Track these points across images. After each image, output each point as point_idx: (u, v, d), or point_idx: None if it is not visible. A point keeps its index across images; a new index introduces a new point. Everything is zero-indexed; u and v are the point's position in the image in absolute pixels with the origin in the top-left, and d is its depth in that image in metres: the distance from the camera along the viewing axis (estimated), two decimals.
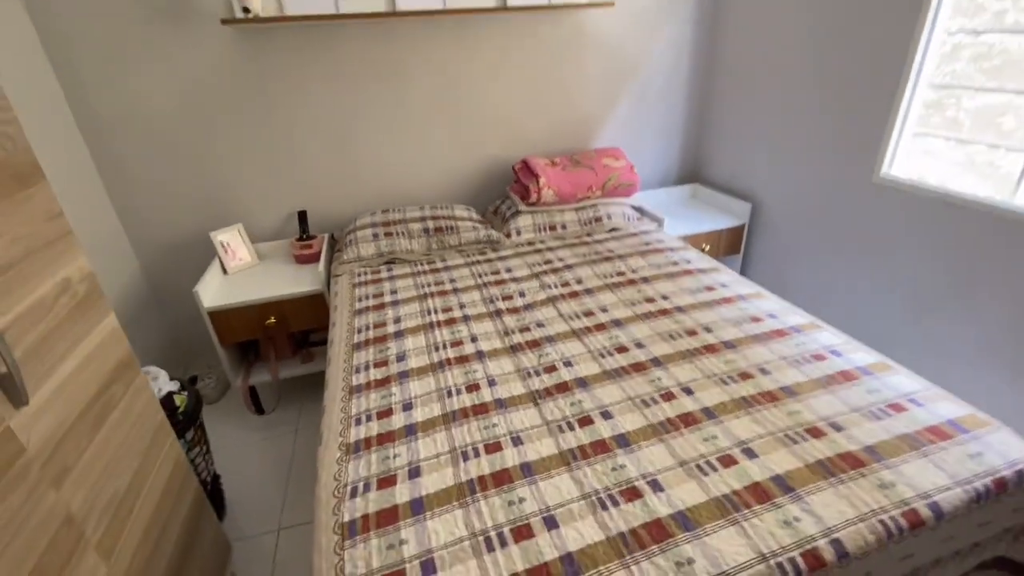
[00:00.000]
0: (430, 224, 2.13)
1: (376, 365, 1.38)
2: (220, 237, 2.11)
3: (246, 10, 1.75)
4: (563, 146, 2.51)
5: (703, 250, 2.36)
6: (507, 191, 2.40)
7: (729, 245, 2.43)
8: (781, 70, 2.12)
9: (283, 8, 1.90)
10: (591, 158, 2.31)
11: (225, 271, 2.12)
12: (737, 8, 2.29)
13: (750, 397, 1.18)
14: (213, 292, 1.97)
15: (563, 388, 1.25)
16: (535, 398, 1.22)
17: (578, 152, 2.42)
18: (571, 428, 1.12)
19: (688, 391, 1.22)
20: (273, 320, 1.96)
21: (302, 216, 2.23)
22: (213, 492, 1.65)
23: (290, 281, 2.02)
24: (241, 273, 2.14)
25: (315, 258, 2.16)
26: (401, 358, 1.40)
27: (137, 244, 2.15)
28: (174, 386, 1.54)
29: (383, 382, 1.31)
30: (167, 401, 1.44)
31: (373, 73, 2.13)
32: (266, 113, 2.07)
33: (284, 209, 2.28)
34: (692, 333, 1.44)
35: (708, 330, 1.45)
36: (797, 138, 2.11)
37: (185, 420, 1.46)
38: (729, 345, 1.38)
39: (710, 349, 1.37)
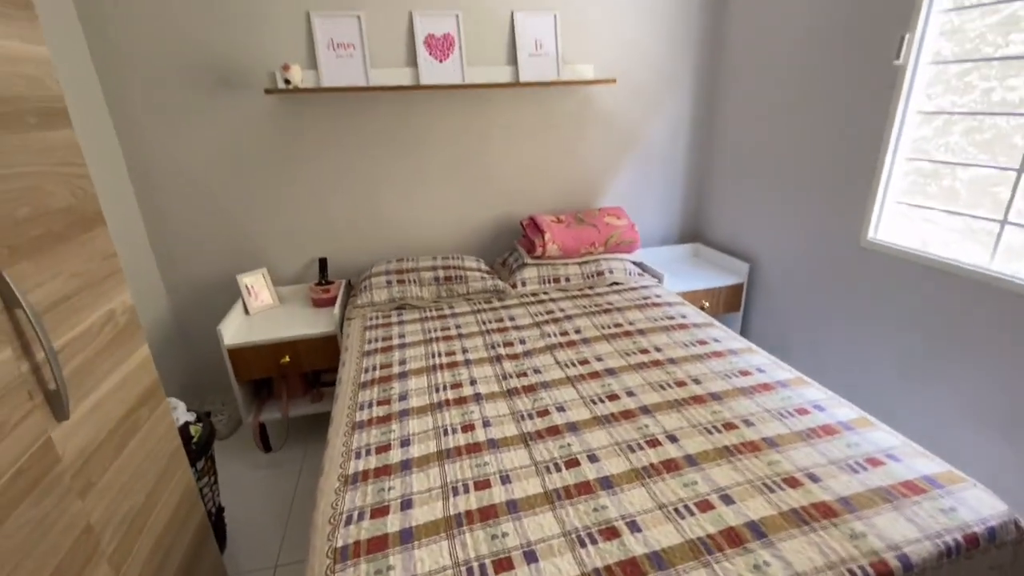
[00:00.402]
0: (440, 273, 2.26)
1: (379, 403, 1.46)
2: (245, 280, 2.26)
3: (287, 82, 1.98)
4: (569, 205, 2.67)
5: (703, 307, 2.44)
6: (515, 244, 2.54)
7: (729, 303, 2.50)
8: (775, 139, 2.28)
9: (320, 80, 2.14)
10: (594, 216, 2.46)
11: (247, 311, 2.26)
12: (733, 84, 2.49)
13: (732, 446, 1.23)
14: (234, 331, 2.10)
15: (554, 431, 1.32)
16: (526, 439, 1.29)
17: (583, 211, 2.57)
18: (558, 469, 1.18)
19: (673, 439, 1.27)
20: (287, 359, 2.07)
21: (322, 263, 2.39)
22: (216, 524, 1.70)
23: (306, 323, 2.14)
24: (262, 314, 2.27)
25: (331, 302, 2.29)
26: (403, 397, 1.49)
27: (169, 283, 2.32)
28: (191, 417, 1.63)
29: (384, 419, 1.39)
30: (183, 430, 1.54)
31: (396, 138, 2.34)
32: (297, 170, 2.28)
33: (306, 256, 2.44)
34: (681, 384, 1.50)
35: (697, 382, 1.51)
36: (791, 202, 2.23)
37: (198, 450, 1.54)
38: (716, 397, 1.43)
39: (697, 400, 1.42)
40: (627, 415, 1.37)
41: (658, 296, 2.15)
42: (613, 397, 1.46)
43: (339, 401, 1.50)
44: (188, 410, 1.69)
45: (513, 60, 2.33)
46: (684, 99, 2.62)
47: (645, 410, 1.39)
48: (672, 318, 1.95)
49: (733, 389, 1.46)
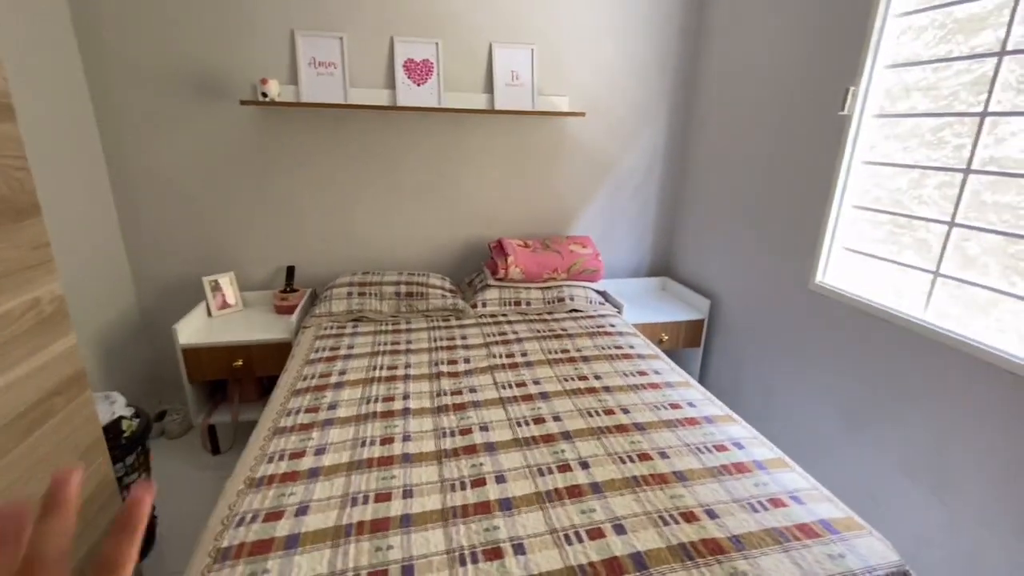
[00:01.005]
0: (402, 288, 2.29)
1: (307, 410, 1.48)
2: (211, 281, 2.31)
3: (264, 95, 2.06)
4: (540, 230, 2.71)
5: (661, 340, 2.45)
6: (482, 265, 2.58)
7: (689, 338, 2.51)
8: (738, 179, 2.32)
9: (300, 96, 2.23)
10: (560, 243, 2.50)
11: (210, 313, 2.30)
12: (704, 124, 2.56)
13: (641, 477, 1.23)
14: (192, 331, 2.13)
15: (470, 450, 1.32)
16: (441, 456, 1.30)
17: (551, 237, 2.61)
18: (463, 487, 1.19)
19: (584, 465, 1.27)
20: (240, 363, 2.09)
21: (290, 271, 2.44)
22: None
23: (264, 328, 2.17)
24: (224, 317, 2.31)
25: (293, 309, 2.33)
26: (332, 407, 1.50)
27: (138, 280, 2.37)
28: (127, 411, 1.65)
29: (307, 427, 1.40)
30: (115, 424, 1.56)
31: (372, 156, 2.41)
32: (273, 179, 2.35)
33: (276, 263, 2.49)
34: (609, 412, 1.51)
35: (625, 411, 1.52)
36: (750, 241, 2.26)
37: (128, 444, 1.56)
38: (640, 427, 1.44)
39: (621, 429, 1.43)
40: (547, 439, 1.38)
41: (612, 325, 2.17)
42: (539, 420, 1.47)
43: (269, 406, 1.52)
44: (128, 405, 1.71)
45: (490, 88, 2.41)
46: (659, 135, 2.69)
47: (566, 436, 1.39)
48: (620, 347, 1.96)
49: (659, 421, 1.47)
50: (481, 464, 1.27)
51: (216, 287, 2.33)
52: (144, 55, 2.08)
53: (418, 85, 2.33)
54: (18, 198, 1.07)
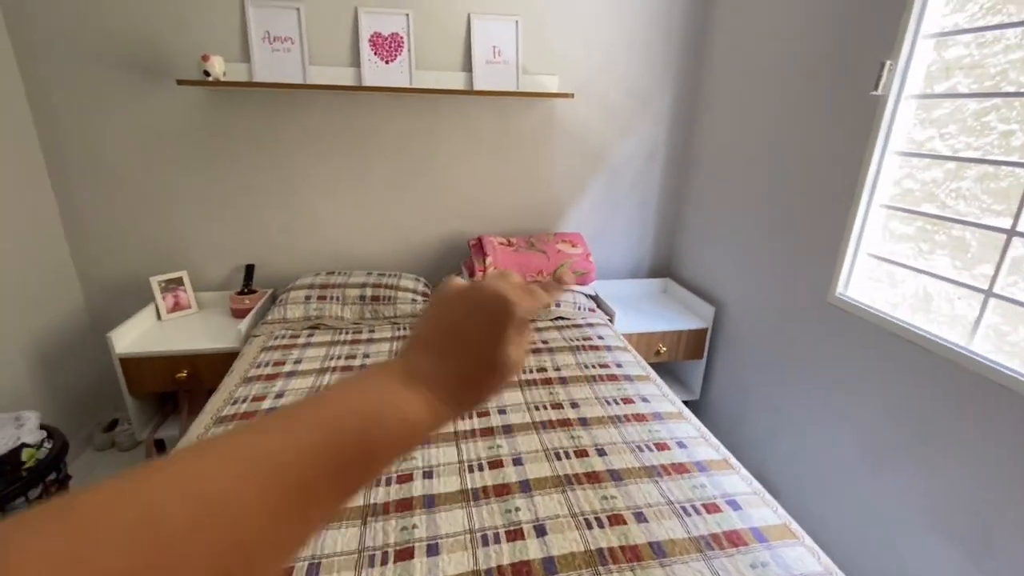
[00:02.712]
0: (368, 292, 2.06)
1: None
2: (160, 282, 2.10)
3: (206, 73, 1.82)
4: (527, 226, 2.45)
5: (659, 351, 2.19)
6: (461, 265, 2.33)
7: (691, 349, 2.25)
8: (750, 174, 2.03)
9: (253, 75, 1.98)
10: (547, 241, 2.24)
11: (159, 316, 2.10)
12: (712, 112, 2.26)
13: (608, 550, 0.99)
14: (136, 337, 1.93)
15: (404, 506, 1.09)
16: (366, 514, 1.07)
17: (538, 234, 2.35)
18: (383, 561, 0.96)
19: (541, 530, 1.03)
20: (184, 374, 1.89)
21: (248, 270, 2.22)
22: None
23: (213, 336, 1.97)
24: (175, 321, 2.11)
25: (249, 313, 2.11)
26: None
27: (85, 281, 2.17)
28: (37, 436, 1.45)
29: None
30: (13, 454, 1.36)
31: (337, 141, 2.17)
32: (227, 168, 2.12)
33: (234, 261, 2.27)
34: (582, 455, 1.27)
35: (601, 453, 1.27)
36: (761, 244, 1.97)
37: (30, 477, 1.36)
38: (616, 476, 1.19)
39: (592, 478, 1.18)
40: (501, 491, 1.14)
41: (600, 338, 1.92)
42: (495, 464, 1.23)
43: (185, 438, 1.31)
44: (41, 427, 1.52)
45: (468, 66, 2.14)
46: (660, 123, 2.39)
47: (524, 487, 1.15)
48: (606, 366, 1.71)
49: (640, 468, 1.22)
50: (414, 527, 1.04)
51: (167, 287, 2.12)
52: (77, 30, 1.85)
53: (387, 63, 2.06)
54: None
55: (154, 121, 2.00)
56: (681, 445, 1.31)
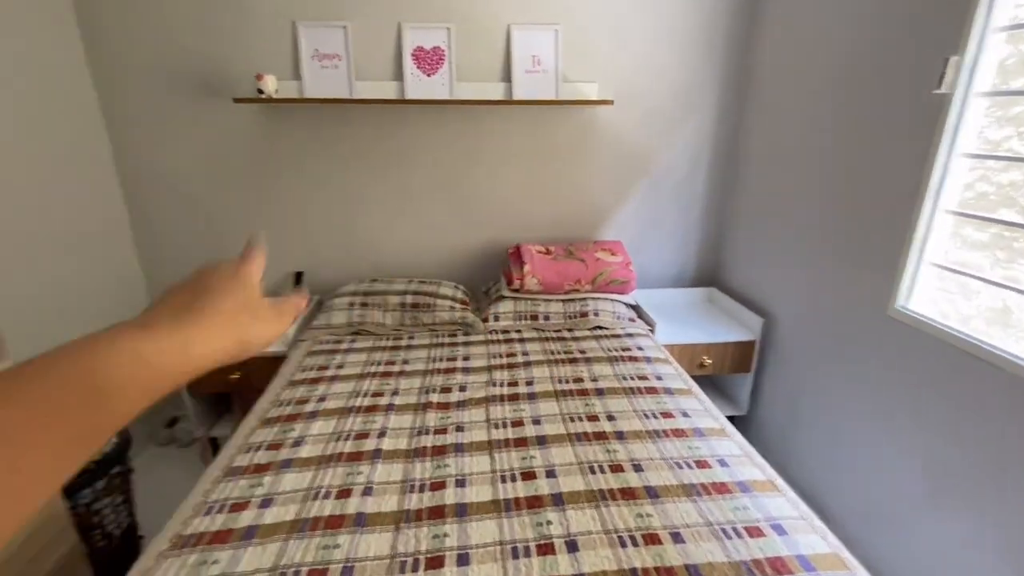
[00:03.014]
0: (409, 299, 2.10)
1: (269, 447, 1.32)
2: None
3: (260, 91, 1.92)
4: (566, 234, 2.43)
5: (703, 364, 2.11)
6: (500, 273, 2.34)
7: (737, 362, 2.15)
8: (802, 179, 1.93)
9: (303, 91, 2.08)
10: (585, 250, 2.21)
11: None
12: (759, 114, 2.17)
13: (642, 571, 0.96)
14: None
15: (437, 514, 1.10)
16: (399, 520, 1.08)
17: (577, 242, 2.33)
18: (414, 568, 0.96)
19: (572, 546, 1.01)
20: (237, 376, 1.99)
21: (298, 277, 2.32)
22: (123, 546, 1.62)
23: None
24: None
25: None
26: (297, 443, 1.33)
27: (151, 288, 2.34)
28: None
29: (262, 468, 1.23)
30: None
31: (380, 153, 2.23)
32: (278, 180, 2.23)
33: (284, 269, 2.38)
34: (617, 469, 1.23)
35: (638, 468, 1.23)
36: (814, 254, 1.87)
37: (96, 470, 1.47)
38: (652, 494, 1.15)
39: (627, 495, 1.15)
40: (534, 503, 1.13)
41: (640, 349, 1.87)
42: (529, 475, 1.22)
43: (233, 438, 1.37)
44: None
45: (508, 76, 2.15)
46: (705, 123, 2.32)
47: (558, 500, 1.13)
48: (645, 378, 1.66)
49: (678, 486, 1.18)
50: (445, 536, 1.04)
51: None
52: (145, 50, 2.00)
53: (428, 76, 2.11)
54: None
55: (213, 138, 2.14)
56: (723, 463, 1.25)
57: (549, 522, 1.07)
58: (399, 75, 2.12)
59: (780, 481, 1.21)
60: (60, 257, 1.86)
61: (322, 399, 1.54)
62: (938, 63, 1.32)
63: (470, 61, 2.13)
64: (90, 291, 1.99)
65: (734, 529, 1.05)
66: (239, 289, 0.40)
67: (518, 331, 2.05)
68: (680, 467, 1.24)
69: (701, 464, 1.25)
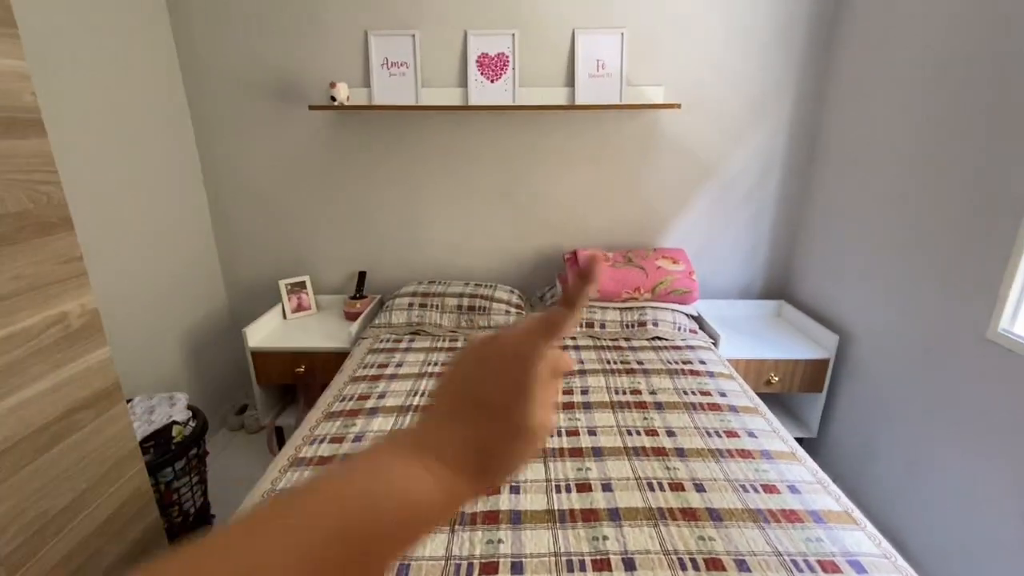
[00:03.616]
0: (465, 302, 2.13)
1: (332, 440, 1.36)
2: (287, 285, 2.35)
3: (333, 99, 2.01)
4: (626, 241, 2.38)
5: (769, 381, 2.00)
6: (555, 279, 2.33)
7: (808, 381, 2.02)
8: (886, 190, 1.79)
9: (372, 99, 2.16)
10: (645, 257, 2.15)
11: (285, 316, 2.34)
12: (839, 119, 2.03)
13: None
14: (266, 334, 2.17)
15: (491, 519, 1.10)
16: (454, 522, 1.09)
17: (637, 249, 2.27)
18: (468, 573, 0.97)
19: (630, 565, 0.98)
20: (303, 369, 2.08)
21: (361, 276, 2.40)
22: (197, 524, 1.73)
23: (329, 336, 2.15)
24: (298, 321, 2.34)
25: (359, 317, 2.28)
26: (359, 438, 1.37)
27: (228, 283, 2.50)
28: (184, 415, 1.68)
29: (326, 460, 1.28)
30: (166, 429, 1.58)
31: (443, 157, 2.28)
32: (346, 183, 2.32)
33: (349, 268, 2.48)
34: (677, 488, 1.18)
35: (700, 489, 1.18)
36: (898, 269, 1.73)
37: (177, 450, 1.58)
38: (716, 517, 1.10)
39: (688, 516, 1.10)
40: (589, 517, 1.10)
41: (702, 363, 1.79)
42: (584, 487, 1.19)
43: (298, 429, 1.43)
44: (189, 407, 1.75)
45: (571, 81, 2.14)
46: (778, 133, 2.21)
47: (614, 515, 1.10)
48: (707, 394, 1.59)
49: (743, 510, 1.11)
50: (500, 542, 1.04)
51: (292, 290, 2.36)
52: (230, 59, 2.15)
53: (492, 82, 2.14)
54: (43, 212, 1.06)
55: (287, 142, 2.26)
56: (793, 490, 1.18)
57: (605, 537, 1.04)
58: (463, 81, 2.15)
59: (858, 513, 1.12)
60: (149, 248, 2.02)
61: (382, 396, 1.58)
62: None
63: (534, 66, 2.13)
64: (174, 279, 2.15)
65: (806, 562, 0.98)
66: (549, 400, 0.31)
67: (573, 338, 2.03)
68: (746, 490, 1.17)
69: (769, 489, 1.18)
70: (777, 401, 2.32)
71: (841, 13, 2.02)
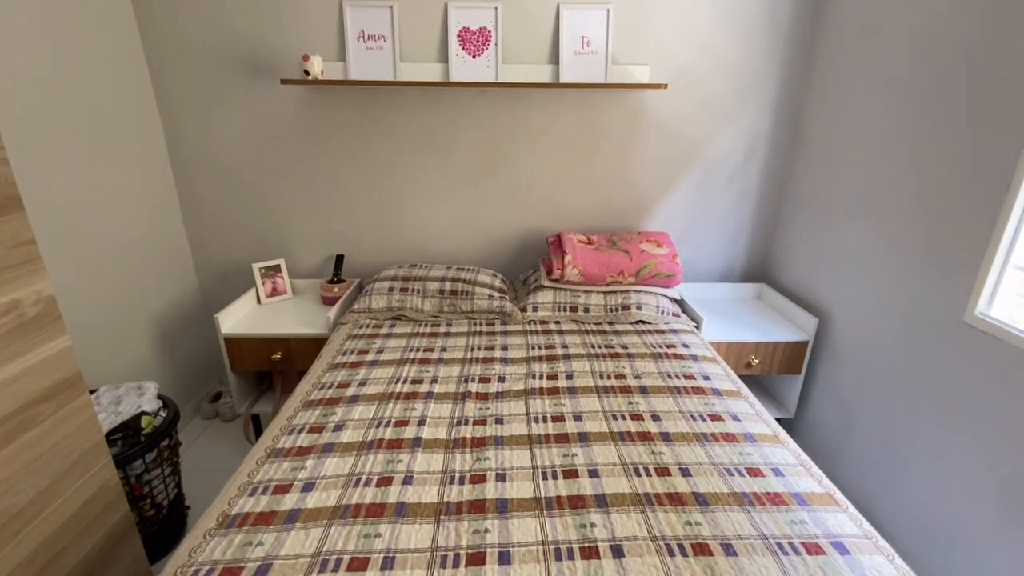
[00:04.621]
0: (447, 286, 2.08)
1: (311, 430, 1.32)
2: (261, 268, 2.26)
3: (306, 72, 1.92)
4: (609, 224, 2.36)
5: (750, 363, 2.02)
6: (539, 262, 2.30)
7: (787, 363, 2.05)
8: (869, 171, 1.80)
9: (348, 73, 2.06)
10: (629, 241, 2.14)
11: (259, 301, 2.26)
12: (825, 99, 2.03)
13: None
14: (239, 319, 2.09)
15: (477, 508, 1.08)
16: (440, 512, 1.07)
17: (621, 232, 2.26)
18: (455, 563, 0.95)
19: (617, 551, 0.97)
20: (279, 355, 2.02)
21: (338, 260, 2.33)
22: (170, 516, 1.68)
23: (304, 321, 2.08)
24: (273, 305, 2.26)
25: (336, 301, 2.22)
26: (338, 428, 1.33)
27: (199, 266, 2.40)
28: (153, 405, 1.61)
29: (304, 451, 1.24)
30: (134, 420, 1.51)
31: (423, 136, 2.20)
32: (321, 162, 2.23)
33: (326, 251, 2.40)
34: (663, 473, 1.18)
35: (685, 473, 1.18)
36: (878, 251, 1.75)
37: (147, 442, 1.51)
38: (701, 500, 1.10)
39: (674, 500, 1.10)
40: (576, 503, 1.09)
41: (685, 346, 1.80)
42: (570, 474, 1.18)
43: (276, 419, 1.39)
44: (159, 396, 1.68)
45: (556, 58, 2.08)
46: (763, 113, 2.19)
47: (601, 501, 1.10)
48: (691, 377, 1.60)
49: (729, 494, 1.12)
50: (486, 531, 1.02)
51: (266, 273, 2.28)
52: (195, 32, 2.02)
53: (473, 58, 2.06)
54: None
55: (259, 119, 2.15)
56: (777, 473, 1.19)
57: (593, 524, 1.04)
58: (444, 57, 2.07)
59: (840, 495, 1.13)
60: (114, 229, 1.91)
61: (363, 383, 1.54)
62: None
63: (517, 42, 2.06)
64: (140, 263, 2.05)
65: (791, 545, 0.99)
66: None
67: (557, 322, 2.01)
68: (731, 474, 1.18)
69: (753, 472, 1.19)
70: (755, 382, 2.36)
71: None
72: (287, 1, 1.99)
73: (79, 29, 1.76)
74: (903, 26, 1.64)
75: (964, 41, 1.42)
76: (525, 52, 2.08)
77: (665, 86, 1.95)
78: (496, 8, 2.01)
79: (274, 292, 2.30)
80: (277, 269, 2.30)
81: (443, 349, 1.77)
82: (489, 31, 2.04)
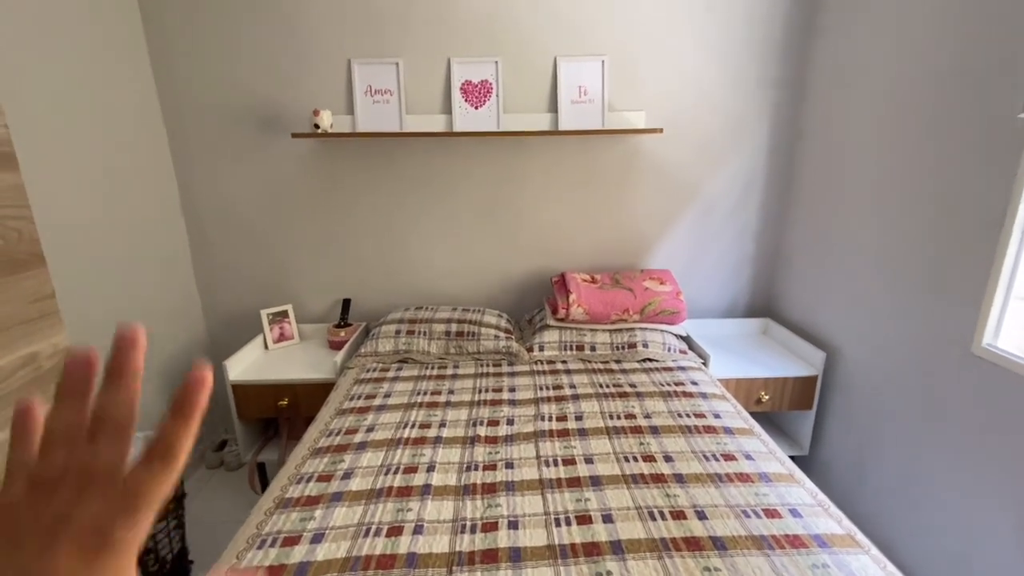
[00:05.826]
0: (454, 327, 2.10)
1: (319, 478, 1.31)
2: (269, 314, 2.29)
3: (316, 126, 2.00)
4: (612, 263, 2.39)
5: (760, 400, 2.00)
6: (544, 301, 2.31)
7: (797, 398, 2.03)
8: (868, 207, 1.84)
9: (356, 126, 2.15)
10: (633, 279, 2.16)
11: (267, 347, 2.27)
12: (818, 137, 2.10)
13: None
14: (247, 365, 2.10)
15: (490, 557, 1.06)
16: (451, 563, 1.04)
17: (624, 271, 2.28)
18: None
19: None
20: (286, 402, 2.01)
21: (345, 304, 2.35)
22: (174, 571, 1.63)
23: (312, 366, 2.09)
24: (281, 351, 2.27)
25: (344, 345, 2.22)
26: (347, 475, 1.32)
27: (207, 311, 2.42)
28: None
29: (313, 500, 1.22)
30: None
31: (429, 183, 2.27)
32: (330, 210, 2.29)
33: (333, 295, 2.43)
34: (679, 516, 1.16)
35: (701, 516, 1.16)
36: (883, 284, 1.76)
37: None
38: (719, 545, 1.07)
39: (691, 545, 1.07)
40: (591, 550, 1.07)
41: (694, 383, 1.79)
42: (584, 519, 1.16)
43: (284, 467, 1.37)
44: None
45: (554, 107, 2.17)
46: (758, 152, 2.26)
47: (617, 548, 1.07)
48: (702, 416, 1.58)
49: (747, 537, 1.09)
50: None
51: (274, 319, 2.30)
52: (210, 92, 2.12)
53: (475, 108, 2.15)
54: (14, 249, 1.01)
55: (270, 170, 2.23)
56: (795, 514, 1.16)
57: (609, 572, 1.01)
58: (448, 108, 2.16)
59: (861, 536, 1.11)
60: (126, 278, 1.95)
61: (371, 429, 1.53)
62: (1019, 88, 1.23)
63: (517, 92, 2.16)
64: (151, 312, 2.08)
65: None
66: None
67: (563, 362, 2.01)
68: (748, 516, 1.16)
69: (771, 513, 1.16)
70: (767, 419, 2.32)
71: (812, 41, 2.10)
72: (298, 60, 2.10)
73: (102, 90, 1.85)
74: (895, 65, 1.71)
75: (958, 80, 1.48)
76: (525, 102, 2.17)
77: (661, 131, 2.03)
78: (497, 62, 2.11)
79: (281, 338, 2.32)
80: (284, 315, 2.33)
81: (451, 392, 1.77)
82: (490, 83, 2.13)
